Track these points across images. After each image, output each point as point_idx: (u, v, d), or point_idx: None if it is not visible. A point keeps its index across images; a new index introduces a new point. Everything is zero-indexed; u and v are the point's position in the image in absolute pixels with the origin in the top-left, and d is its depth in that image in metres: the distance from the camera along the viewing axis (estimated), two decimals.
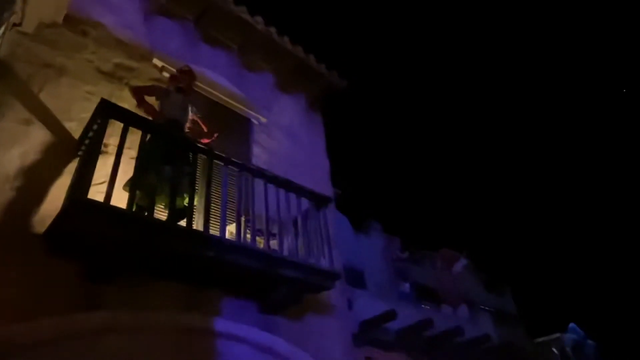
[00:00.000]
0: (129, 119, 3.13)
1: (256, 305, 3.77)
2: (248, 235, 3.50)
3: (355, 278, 9.43)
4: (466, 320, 8.46)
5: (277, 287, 3.56)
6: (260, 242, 3.54)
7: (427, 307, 8.60)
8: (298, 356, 3.78)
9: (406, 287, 9.20)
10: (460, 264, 11.98)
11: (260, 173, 3.77)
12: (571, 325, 28.67)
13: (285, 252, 3.60)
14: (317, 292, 3.90)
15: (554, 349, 20.32)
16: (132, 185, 2.98)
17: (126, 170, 3.23)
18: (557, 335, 25.65)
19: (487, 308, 12.30)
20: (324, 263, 3.68)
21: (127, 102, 3.74)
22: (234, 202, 3.64)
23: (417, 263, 10.40)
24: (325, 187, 4.94)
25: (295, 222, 3.92)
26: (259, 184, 3.80)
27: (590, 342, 27.79)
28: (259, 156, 4.76)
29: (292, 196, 3.95)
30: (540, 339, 21.96)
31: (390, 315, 5.77)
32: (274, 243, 3.61)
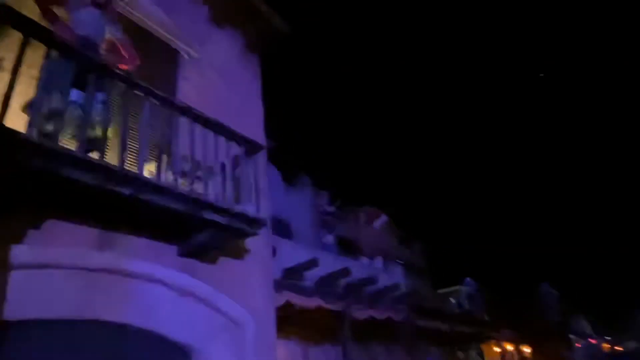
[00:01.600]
0: (30, 29, 2.66)
1: (176, 248, 3.65)
2: (170, 177, 3.31)
3: (282, 228, 9.60)
4: (381, 270, 9.16)
5: (199, 231, 3.46)
6: (183, 184, 3.36)
7: (347, 257, 9.09)
8: (219, 299, 3.79)
9: (329, 238, 9.61)
10: (381, 221, 12.75)
11: (186, 110, 3.51)
12: (467, 279, 32.72)
13: (211, 197, 3.48)
14: (241, 238, 3.87)
15: (452, 299, 23.08)
16: (33, 108, 2.60)
17: (27, 93, 2.83)
18: (456, 287, 29.16)
19: (399, 261, 13.32)
20: (251, 210, 3.63)
21: (30, 11, 3.18)
22: (156, 140, 3.38)
23: (342, 217, 10.87)
24: (257, 134, 4.79)
25: (223, 167, 3.77)
26: (185, 123, 3.56)
27: (480, 293, 31.96)
28: (187, 94, 4.42)
29: (222, 140, 3.76)
30: (442, 290, 24.77)
31: (312, 263, 6.00)
32: (198, 187, 3.45)
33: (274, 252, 5.12)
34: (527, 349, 26.29)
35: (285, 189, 10.48)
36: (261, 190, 3.96)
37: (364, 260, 9.69)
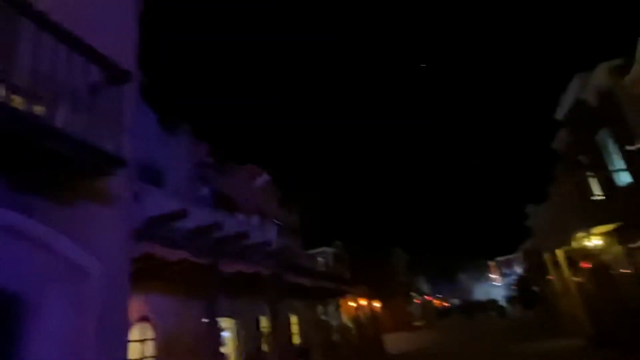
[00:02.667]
0: None
1: (5, 181, 3.01)
2: (2, 91, 2.65)
3: (153, 177, 8.83)
4: (256, 228, 9.20)
5: (37, 163, 2.90)
6: (19, 103, 2.74)
7: (222, 212, 8.87)
8: (62, 244, 3.29)
9: (205, 191, 9.19)
10: (262, 180, 12.73)
11: (33, 13, 2.82)
12: (335, 241, 35.47)
13: (58, 124, 2.92)
14: (94, 176, 3.38)
15: (320, 258, 24.76)
16: None
17: None
18: (324, 248, 31.41)
19: (276, 221, 13.61)
20: (109, 147, 3.17)
21: None
22: None
23: (222, 172, 10.48)
24: (127, 61, 4.15)
25: (77, 92, 3.18)
26: (30, 30, 2.86)
27: (345, 254, 34.90)
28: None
29: (80, 59, 3.15)
30: (311, 251, 26.45)
31: (181, 213, 5.64)
32: (40, 109, 2.86)
33: (136, 197, 4.65)
34: (377, 304, 29.91)
35: (162, 135, 9.60)
36: (125, 127, 3.48)
37: (240, 217, 9.60)
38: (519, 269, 60.83)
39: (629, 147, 11.21)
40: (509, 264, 74.23)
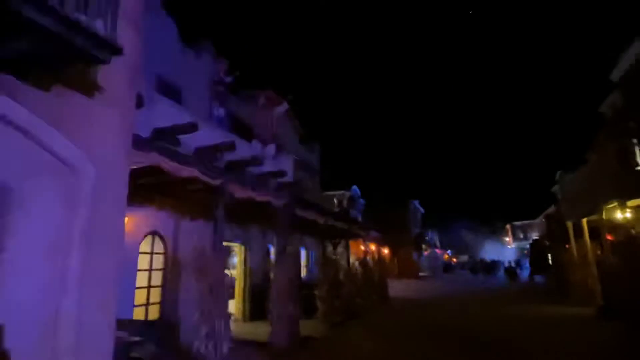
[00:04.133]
0: None
1: None
2: None
3: (169, 91, 8.48)
4: (271, 158, 8.90)
5: (15, 35, 2.51)
6: None
7: (236, 136, 8.56)
8: (49, 135, 3.00)
9: (221, 112, 8.81)
10: (282, 108, 12.21)
11: None
12: (354, 187, 35.45)
13: None
14: (81, 60, 2.98)
15: (335, 200, 24.76)
16: None
17: None
18: (342, 192, 31.44)
19: (295, 157, 13.29)
20: (99, 26, 2.74)
21: None
22: None
23: (240, 95, 10.00)
24: None
25: None
26: None
27: (362, 200, 35.07)
28: None
29: None
30: (329, 192, 26.49)
31: (192, 127, 5.31)
32: None
33: (141, 101, 4.30)
34: (386, 250, 30.22)
35: (181, 49, 9.09)
36: (122, 7, 3.02)
37: (256, 144, 9.28)
38: (535, 235, 60.21)
39: None
40: (524, 229, 73.58)
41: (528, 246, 57.41)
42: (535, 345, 8.72)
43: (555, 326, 11.05)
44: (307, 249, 17.09)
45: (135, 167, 5.55)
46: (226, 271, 7.24)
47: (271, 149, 9.79)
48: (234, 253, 12.69)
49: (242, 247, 12.45)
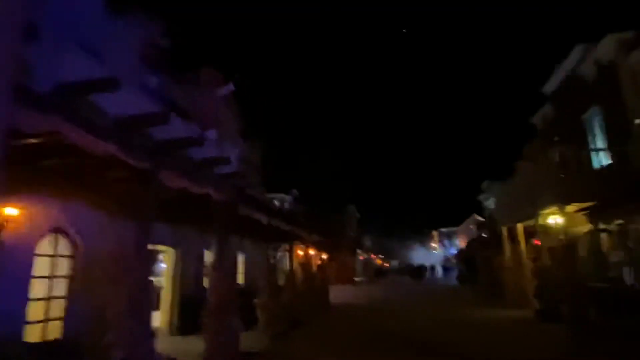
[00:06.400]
0: None
1: None
2: None
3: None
4: (212, 143, 7.61)
5: None
6: None
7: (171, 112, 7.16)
8: None
9: (153, 81, 7.31)
10: (226, 91, 10.89)
11: None
12: (293, 190, 34.52)
13: None
14: None
15: (276, 202, 23.62)
16: None
17: None
18: (282, 195, 30.37)
19: (236, 149, 12.02)
20: None
21: None
22: None
23: (179, 70, 8.57)
24: None
25: None
26: None
27: (301, 204, 34.22)
28: None
29: None
30: (269, 195, 25.27)
31: (111, 83, 3.95)
32: None
33: (35, 32, 2.95)
34: (324, 255, 29.71)
35: (105, 9, 7.50)
36: None
37: (195, 127, 7.92)
38: (459, 241, 63.91)
39: (637, 121, 10.58)
40: (450, 235, 78.08)
41: (454, 251, 60.72)
42: (486, 348, 8.57)
43: (498, 329, 11.05)
44: (246, 252, 15.76)
45: (31, 139, 4.07)
46: (152, 278, 5.85)
47: (212, 133, 8.47)
48: (162, 257, 11.04)
49: (173, 251, 10.87)
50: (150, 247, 5.56)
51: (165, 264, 10.94)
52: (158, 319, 10.83)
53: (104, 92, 3.97)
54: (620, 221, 11.02)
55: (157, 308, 10.98)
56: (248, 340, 8.67)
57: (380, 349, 8.81)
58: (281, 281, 13.67)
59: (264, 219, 9.87)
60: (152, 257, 6.23)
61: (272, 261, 13.30)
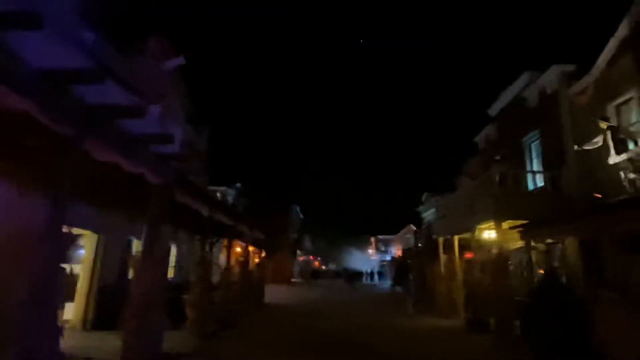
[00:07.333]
0: None
1: None
2: None
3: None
4: (154, 117, 6.82)
5: None
6: None
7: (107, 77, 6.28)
8: None
9: (90, 37, 6.36)
10: (174, 64, 9.95)
11: None
12: (237, 184, 33.40)
13: None
14: None
15: (218, 195, 22.57)
16: None
17: None
18: (225, 188, 29.24)
19: (179, 130, 11.12)
20: None
21: None
22: None
23: (120, 42, 7.61)
24: None
25: None
26: None
27: (243, 199, 33.08)
28: None
29: None
30: (211, 187, 24.11)
31: (30, 19, 3.18)
32: None
33: None
34: (263, 254, 28.97)
35: None
36: None
37: (135, 98, 7.05)
38: (395, 249, 66.05)
39: (576, 147, 11.26)
40: (386, 242, 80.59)
41: (389, 258, 62.56)
42: (416, 357, 8.63)
43: (429, 338, 11.21)
44: (179, 244, 14.74)
45: None
46: (64, 265, 5.01)
47: (155, 109, 7.62)
48: (81, 242, 9.87)
49: (95, 236, 9.76)
50: (66, 229, 4.75)
51: (84, 250, 9.79)
52: (71, 311, 9.65)
53: (23, 31, 3.21)
54: (549, 240, 11.70)
55: (71, 299, 9.79)
56: (173, 340, 7.93)
57: (316, 355, 8.50)
58: (215, 278, 12.91)
59: (204, 211, 9.16)
60: (68, 240, 5.34)
61: (207, 256, 12.49)
